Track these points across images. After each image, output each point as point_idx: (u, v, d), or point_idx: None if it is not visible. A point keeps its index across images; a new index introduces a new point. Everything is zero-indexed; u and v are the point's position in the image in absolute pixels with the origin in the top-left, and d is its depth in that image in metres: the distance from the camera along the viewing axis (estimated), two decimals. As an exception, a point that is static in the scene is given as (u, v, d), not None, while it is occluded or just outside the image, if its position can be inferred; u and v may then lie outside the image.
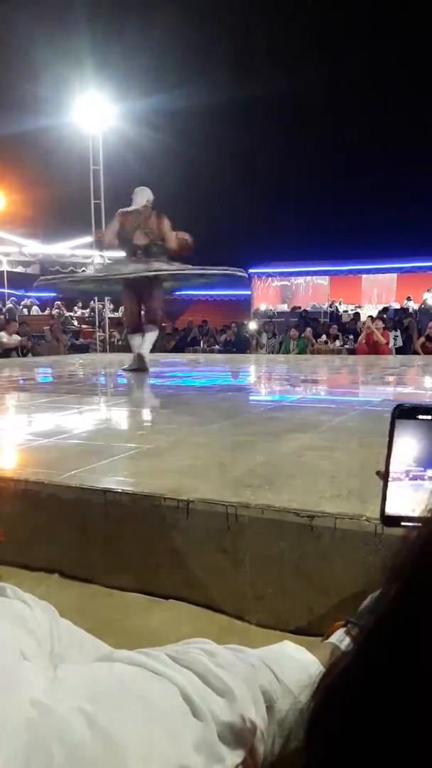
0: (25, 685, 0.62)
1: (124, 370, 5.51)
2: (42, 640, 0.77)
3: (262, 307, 17.37)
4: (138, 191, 5.44)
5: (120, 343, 12.52)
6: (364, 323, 10.30)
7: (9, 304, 14.96)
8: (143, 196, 5.40)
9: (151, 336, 5.42)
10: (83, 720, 0.59)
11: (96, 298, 12.89)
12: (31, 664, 0.69)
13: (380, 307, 15.78)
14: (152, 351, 5.58)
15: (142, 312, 5.53)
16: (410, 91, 23.18)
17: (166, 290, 5.74)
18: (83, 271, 14.54)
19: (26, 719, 0.57)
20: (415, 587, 0.33)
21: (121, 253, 5.72)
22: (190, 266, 5.44)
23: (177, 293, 13.51)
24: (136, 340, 5.43)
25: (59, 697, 0.62)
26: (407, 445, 0.69)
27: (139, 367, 5.29)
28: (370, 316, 10.49)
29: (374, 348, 8.98)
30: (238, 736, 0.68)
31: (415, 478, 0.70)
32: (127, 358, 5.89)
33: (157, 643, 0.84)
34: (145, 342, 5.35)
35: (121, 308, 16.74)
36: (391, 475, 0.70)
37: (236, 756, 0.68)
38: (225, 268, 5.82)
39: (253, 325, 12.18)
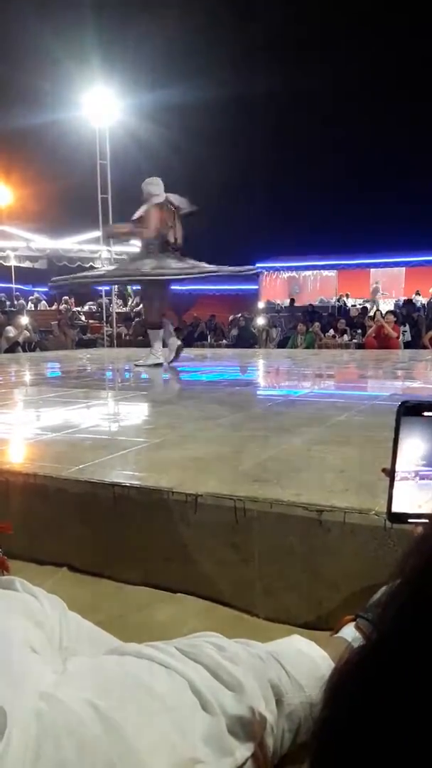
0: (34, 677, 0.63)
1: (160, 365, 5.52)
2: (51, 633, 0.78)
3: (266, 303, 17.23)
4: (155, 182, 5.25)
5: (128, 338, 12.52)
6: (373, 317, 10.22)
7: (19, 300, 15.02)
8: (161, 187, 5.25)
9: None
10: (92, 712, 0.59)
11: (103, 293, 12.92)
12: (40, 656, 0.69)
13: (389, 301, 15.69)
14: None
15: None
16: (419, 83, 23.02)
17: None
18: (90, 266, 14.53)
19: (36, 712, 0.57)
20: (426, 583, 0.33)
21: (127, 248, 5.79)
22: (212, 266, 5.55)
23: (187, 287, 13.55)
24: (158, 335, 5.52)
25: (68, 689, 0.62)
26: (414, 443, 0.69)
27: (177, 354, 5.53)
28: (383, 311, 10.42)
29: (383, 342, 8.91)
30: (247, 729, 0.68)
31: (424, 477, 0.69)
32: (134, 354, 5.89)
33: (165, 637, 0.84)
34: (171, 333, 5.62)
35: (130, 303, 16.79)
36: (399, 473, 0.70)
37: (246, 749, 0.68)
38: (240, 268, 6.11)
39: (261, 320, 12.14)
